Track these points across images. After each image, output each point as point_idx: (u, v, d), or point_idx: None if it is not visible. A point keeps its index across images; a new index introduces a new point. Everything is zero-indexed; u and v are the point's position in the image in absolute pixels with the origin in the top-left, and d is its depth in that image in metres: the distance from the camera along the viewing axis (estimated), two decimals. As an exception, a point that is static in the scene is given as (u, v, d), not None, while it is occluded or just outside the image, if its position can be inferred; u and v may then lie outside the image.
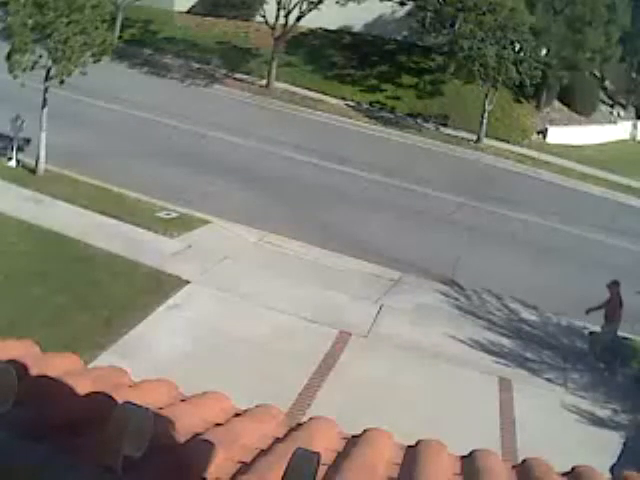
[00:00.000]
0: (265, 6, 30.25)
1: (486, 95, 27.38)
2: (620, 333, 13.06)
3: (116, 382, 2.86)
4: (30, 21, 14.87)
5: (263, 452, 2.44)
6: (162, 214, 15.62)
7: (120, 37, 29.55)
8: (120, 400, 2.15)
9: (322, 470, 2.29)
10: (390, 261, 15.29)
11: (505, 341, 12.86)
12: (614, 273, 16.61)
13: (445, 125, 29.47)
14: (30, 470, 1.71)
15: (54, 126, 16.57)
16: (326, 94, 30.22)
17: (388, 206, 18.94)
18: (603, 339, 12.76)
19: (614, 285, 12.71)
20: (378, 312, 12.93)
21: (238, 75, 31.02)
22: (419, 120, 29.70)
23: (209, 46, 32.77)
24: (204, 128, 22.66)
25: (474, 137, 28.03)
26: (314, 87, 30.47)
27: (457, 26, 29.36)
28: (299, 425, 2.98)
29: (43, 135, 16.35)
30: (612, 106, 34.50)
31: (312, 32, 33.38)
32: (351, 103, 30.27)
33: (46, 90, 16.09)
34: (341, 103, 30.10)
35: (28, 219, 13.85)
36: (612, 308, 12.55)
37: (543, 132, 30.38)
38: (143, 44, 32.60)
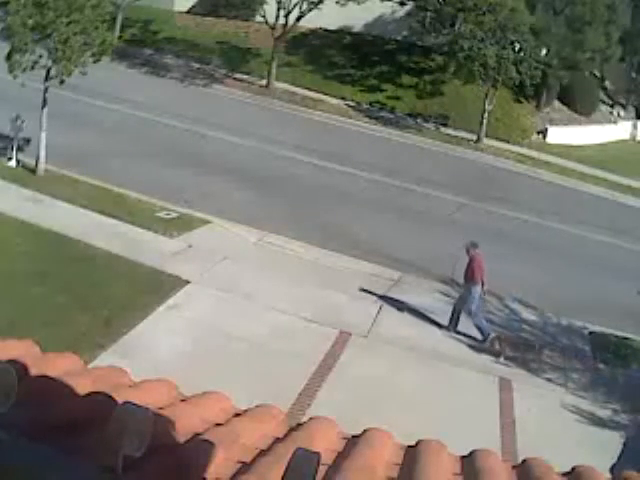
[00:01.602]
0: (265, 6, 30.24)
1: (486, 95, 27.38)
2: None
3: (116, 382, 2.86)
4: (30, 21, 14.84)
5: (263, 452, 2.44)
6: (162, 214, 15.62)
7: (120, 37, 29.55)
8: (120, 400, 2.15)
9: (322, 470, 2.29)
10: (390, 261, 15.28)
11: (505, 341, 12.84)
12: (615, 273, 16.71)
13: (445, 125, 29.47)
14: (30, 470, 1.71)
15: (54, 126, 16.56)
16: (326, 94, 30.22)
17: (388, 206, 18.93)
18: (461, 302, 12.56)
19: (473, 247, 12.46)
20: (378, 312, 12.92)
21: (238, 75, 31.02)
22: (419, 120, 29.70)
23: (209, 46, 32.77)
24: (204, 128, 22.66)
25: (474, 137, 28.02)
26: (314, 87, 30.47)
27: (457, 26, 29.39)
28: (299, 425, 2.98)
29: (43, 135, 16.34)
30: (612, 106, 34.48)
31: (312, 32, 33.39)
32: (351, 103, 30.26)
33: (46, 90, 16.08)
34: (341, 103, 30.09)
35: (28, 219, 13.83)
36: (471, 270, 12.36)
37: (543, 132, 30.36)
38: (143, 44, 32.63)
